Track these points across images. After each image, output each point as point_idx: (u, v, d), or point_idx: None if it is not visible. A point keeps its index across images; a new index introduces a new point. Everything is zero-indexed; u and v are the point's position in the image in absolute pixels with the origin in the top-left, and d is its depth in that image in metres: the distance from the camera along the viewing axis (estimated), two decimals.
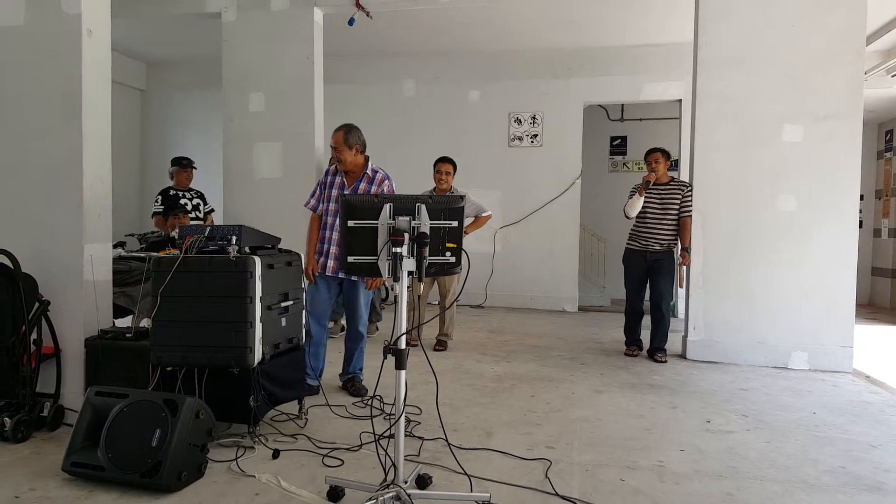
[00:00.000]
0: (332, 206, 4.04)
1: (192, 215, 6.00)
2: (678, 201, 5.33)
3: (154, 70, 9.49)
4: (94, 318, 3.63)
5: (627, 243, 5.57)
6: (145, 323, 3.50)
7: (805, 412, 3.98)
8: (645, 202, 5.41)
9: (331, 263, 3.97)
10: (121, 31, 7.44)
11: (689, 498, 2.67)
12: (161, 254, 3.98)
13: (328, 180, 4.12)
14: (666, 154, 5.44)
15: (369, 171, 4.02)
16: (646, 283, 5.49)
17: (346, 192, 3.98)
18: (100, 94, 3.72)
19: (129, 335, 3.48)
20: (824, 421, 3.80)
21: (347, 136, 3.93)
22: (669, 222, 5.36)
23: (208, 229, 3.17)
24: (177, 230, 5.31)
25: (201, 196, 6.24)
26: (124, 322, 4.16)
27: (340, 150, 3.94)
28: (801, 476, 2.94)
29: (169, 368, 3.12)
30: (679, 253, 5.42)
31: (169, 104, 9.49)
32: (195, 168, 6.26)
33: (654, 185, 5.40)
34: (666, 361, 5.26)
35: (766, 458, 3.15)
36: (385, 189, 4.01)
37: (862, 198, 6.99)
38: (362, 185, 4.00)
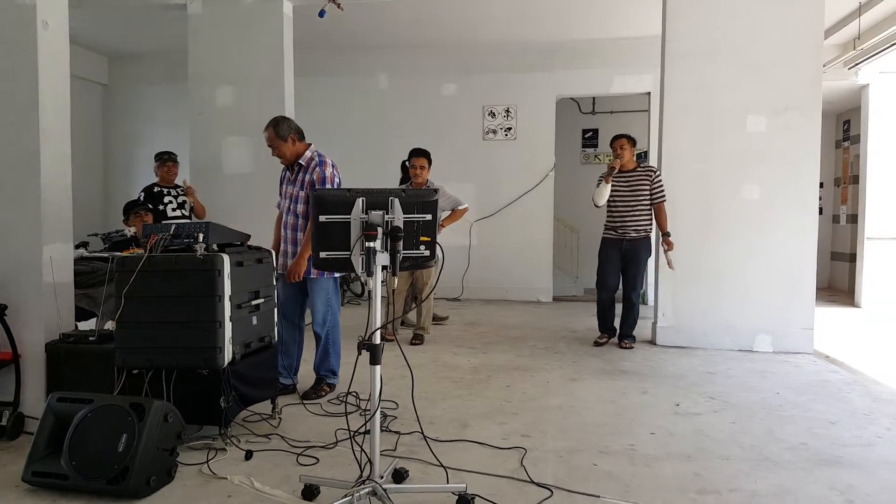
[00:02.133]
0: (285, 203, 3.98)
1: (178, 213, 5.74)
2: (647, 187, 5.31)
3: (116, 63, 9.22)
4: (54, 322, 3.53)
5: (604, 233, 5.52)
6: (109, 325, 3.42)
7: (769, 393, 4.09)
8: (614, 190, 5.36)
9: (281, 261, 3.93)
10: (80, 23, 7.19)
11: (660, 479, 2.73)
12: (125, 253, 3.89)
13: (281, 177, 4.09)
14: (632, 140, 5.41)
15: (303, 161, 3.89)
16: (620, 271, 5.46)
17: (290, 187, 3.94)
18: (58, 88, 3.61)
19: (93, 338, 3.38)
20: (787, 400, 3.92)
21: (277, 128, 3.82)
22: (642, 208, 5.33)
23: (173, 226, 3.10)
24: (132, 229, 5.17)
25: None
26: (87, 325, 4.05)
27: (277, 146, 3.85)
28: (765, 454, 3.03)
29: (135, 371, 3.05)
30: (662, 240, 5.33)
31: (133, 99, 9.24)
32: (176, 162, 5.90)
33: (621, 171, 5.37)
34: (632, 348, 5.32)
35: (733, 439, 3.23)
36: (315, 176, 3.83)
37: (822, 185, 7.22)
38: (301, 176, 3.90)
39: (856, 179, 9.05)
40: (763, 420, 3.54)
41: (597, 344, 5.48)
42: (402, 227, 2.30)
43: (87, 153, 8.74)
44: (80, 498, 2.55)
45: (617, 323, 5.58)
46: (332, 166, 3.91)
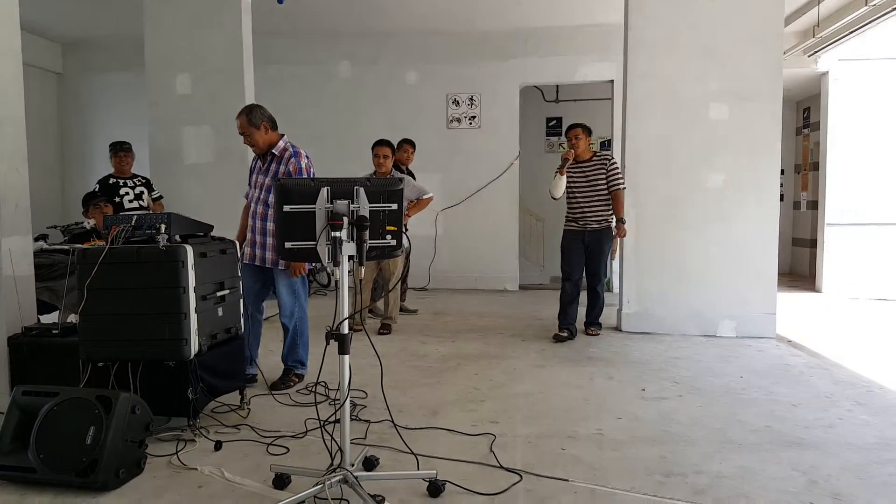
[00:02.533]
0: (254, 193, 3.93)
1: (136, 204, 5.60)
2: (604, 175, 5.21)
3: (71, 51, 8.97)
4: (16, 316, 3.45)
5: (565, 225, 5.42)
6: (72, 318, 3.36)
7: (733, 377, 4.19)
8: (571, 181, 5.28)
9: (247, 251, 3.90)
10: (31, 10, 6.97)
11: (627, 463, 2.78)
12: (85, 245, 3.81)
13: (252, 166, 4.04)
14: (587, 130, 5.30)
15: (277, 151, 3.84)
16: (584, 263, 5.33)
17: (261, 177, 3.90)
18: (9, 77, 3.50)
19: (56, 331, 3.33)
20: (750, 384, 4.01)
21: (250, 116, 3.77)
22: (600, 198, 5.23)
23: (135, 217, 3.05)
24: (92, 221, 5.06)
25: (146, 183, 5.78)
26: (50, 318, 3.97)
27: (249, 134, 3.78)
28: (729, 437, 3.10)
29: (100, 364, 3.00)
30: (615, 225, 5.26)
31: (88, 88, 9.00)
32: (130, 152, 5.74)
33: (577, 162, 5.27)
34: (598, 335, 5.35)
35: (698, 422, 3.30)
36: (291, 168, 3.79)
37: (783, 172, 7.36)
38: (273, 167, 3.86)
39: (816, 166, 9.28)
40: (727, 404, 3.61)
41: (557, 339, 5.17)
42: (367, 216, 2.30)
43: (44, 144, 8.50)
44: (48, 491, 2.51)
45: (581, 315, 5.45)
46: (307, 157, 3.88)
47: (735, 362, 4.57)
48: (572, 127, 5.33)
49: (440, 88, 8.51)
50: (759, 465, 2.75)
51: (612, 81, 8.19)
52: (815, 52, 7.80)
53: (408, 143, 6.42)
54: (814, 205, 9.27)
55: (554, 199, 5.38)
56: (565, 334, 5.23)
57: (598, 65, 8.17)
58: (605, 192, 5.24)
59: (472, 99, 8.47)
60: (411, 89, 8.56)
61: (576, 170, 5.29)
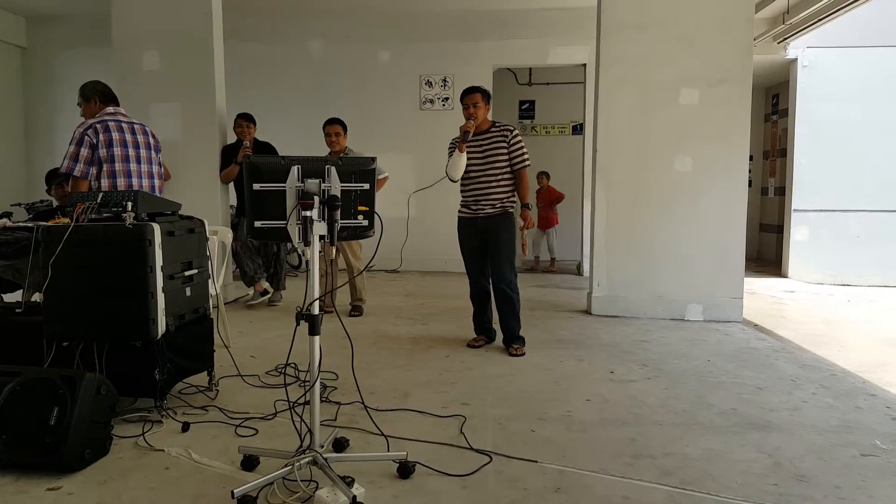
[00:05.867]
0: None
1: None
2: (504, 149, 4.30)
3: (36, 25, 8.68)
4: None
5: (459, 211, 4.57)
6: (36, 297, 3.27)
7: (700, 360, 4.26)
8: (467, 157, 4.35)
9: None
10: None
11: (596, 444, 2.82)
12: (50, 223, 3.71)
13: None
14: (486, 95, 4.40)
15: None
16: (486, 257, 4.49)
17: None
18: None
19: (19, 310, 3.24)
20: (717, 367, 4.08)
21: (83, 90, 4.03)
22: (499, 176, 4.33)
23: (101, 195, 2.98)
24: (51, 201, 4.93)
25: None
26: (13, 297, 3.87)
27: (82, 107, 4.01)
28: (696, 419, 3.15)
29: (65, 344, 2.94)
30: (520, 213, 4.41)
31: (54, 63, 8.73)
32: None
33: (473, 133, 4.33)
34: (524, 354, 4.33)
35: (665, 404, 3.35)
36: None
37: (751, 158, 7.51)
38: None
39: (784, 153, 9.44)
40: (694, 386, 3.67)
41: (470, 346, 4.53)
42: (339, 195, 2.28)
43: (7, 120, 8.26)
44: (11, 472, 2.47)
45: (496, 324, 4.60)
46: (90, 127, 3.87)
47: (702, 346, 4.64)
48: (470, 91, 4.35)
49: (413, 69, 8.44)
50: (725, 447, 2.79)
51: (584, 65, 8.20)
52: (785, 38, 7.90)
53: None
54: (781, 191, 9.44)
55: (453, 181, 4.46)
56: (479, 344, 4.54)
57: (570, 48, 8.18)
58: (506, 169, 4.33)
59: (445, 80, 8.41)
60: (384, 69, 8.48)
61: (472, 142, 4.35)
